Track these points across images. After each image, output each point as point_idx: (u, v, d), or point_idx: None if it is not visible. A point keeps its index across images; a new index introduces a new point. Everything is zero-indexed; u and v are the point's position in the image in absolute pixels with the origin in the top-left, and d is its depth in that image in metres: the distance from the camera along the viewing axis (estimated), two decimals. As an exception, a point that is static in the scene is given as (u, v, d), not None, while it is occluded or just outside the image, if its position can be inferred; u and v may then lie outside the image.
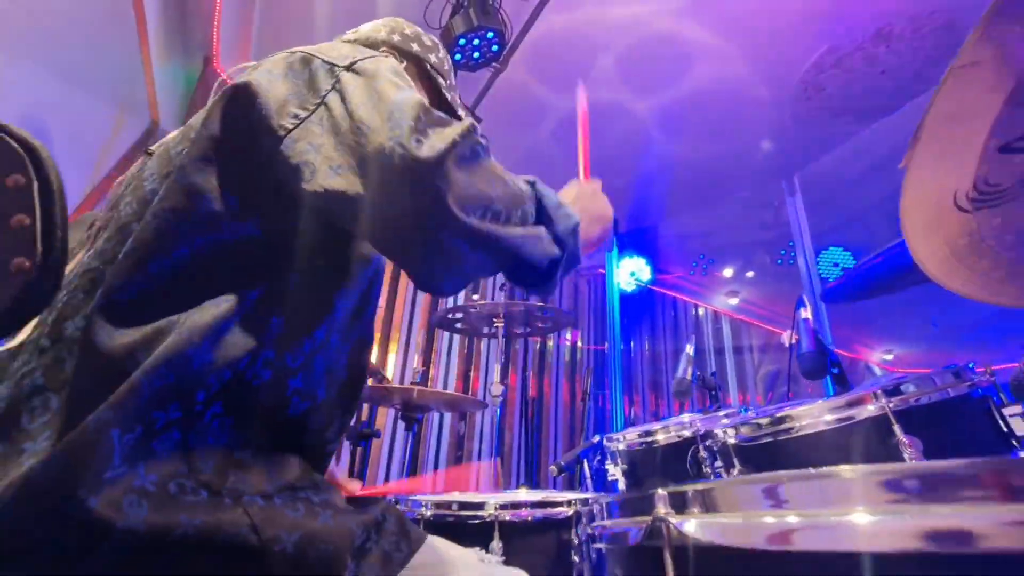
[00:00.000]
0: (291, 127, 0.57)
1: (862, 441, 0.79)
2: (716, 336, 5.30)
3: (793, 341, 1.19)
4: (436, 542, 0.67)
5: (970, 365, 0.84)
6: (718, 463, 1.02)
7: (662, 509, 0.36)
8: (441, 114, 0.56)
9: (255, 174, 0.60)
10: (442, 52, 1.01)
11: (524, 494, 1.39)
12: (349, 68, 0.61)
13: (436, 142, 0.53)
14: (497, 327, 2.10)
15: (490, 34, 2.05)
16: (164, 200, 0.58)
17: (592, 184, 0.87)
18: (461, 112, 0.99)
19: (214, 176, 0.59)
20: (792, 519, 0.31)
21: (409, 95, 0.57)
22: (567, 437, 3.81)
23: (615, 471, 1.33)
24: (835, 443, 0.82)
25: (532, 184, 0.66)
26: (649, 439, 1.29)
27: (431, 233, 0.53)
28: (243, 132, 0.60)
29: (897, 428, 0.75)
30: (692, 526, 0.33)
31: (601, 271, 3.92)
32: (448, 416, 3.38)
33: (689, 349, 1.56)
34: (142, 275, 0.54)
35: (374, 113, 0.55)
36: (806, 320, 1.17)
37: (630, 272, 3.76)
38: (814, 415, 0.84)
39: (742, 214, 3.42)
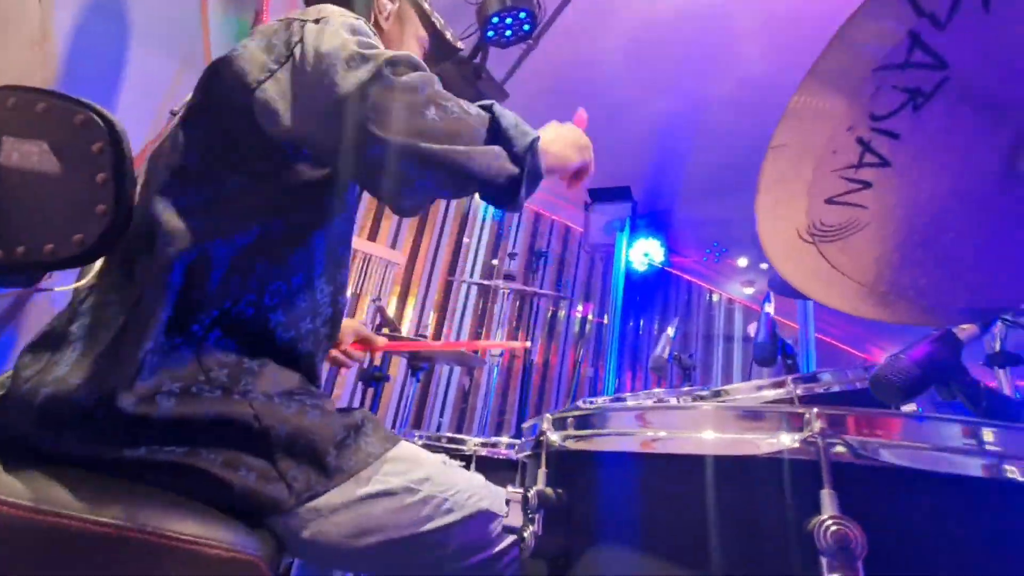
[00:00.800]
0: (264, 78, 0.69)
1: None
2: (728, 323, 5.38)
3: (754, 333, 1.33)
4: (407, 445, 0.82)
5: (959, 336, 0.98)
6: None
7: (545, 426, 0.53)
8: (372, 50, 0.66)
9: (236, 130, 0.71)
10: None
11: (505, 440, 1.59)
12: (317, 21, 0.71)
13: (360, 73, 0.63)
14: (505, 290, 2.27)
15: (522, 14, 2.14)
16: (166, 158, 0.72)
17: (570, 125, 0.92)
18: (448, 34, 1.08)
19: (200, 137, 0.72)
20: (649, 433, 0.46)
21: (349, 38, 0.67)
22: (565, 401, 4.03)
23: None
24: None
25: (489, 107, 0.73)
26: (618, 405, 1.46)
27: (371, 157, 0.64)
28: (221, 95, 0.71)
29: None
30: (559, 437, 0.51)
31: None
32: (456, 371, 3.62)
33: (670, 330, 1.71)
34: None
35: (317, 52, 0.66)
36: (767, 313, 1.31)
37: (643, 252, 3.85)
38: (742, 392, 1.00)
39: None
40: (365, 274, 2.55)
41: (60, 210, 0.64)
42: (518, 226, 4.35)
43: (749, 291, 5.49)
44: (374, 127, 0.62)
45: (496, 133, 0.71)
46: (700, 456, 0.41)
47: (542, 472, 0.51)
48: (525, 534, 0.49)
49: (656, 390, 1.68)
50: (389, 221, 3.76)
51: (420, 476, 0.78)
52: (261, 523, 0.67)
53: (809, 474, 0.37)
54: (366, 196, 3.75)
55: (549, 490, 0.50)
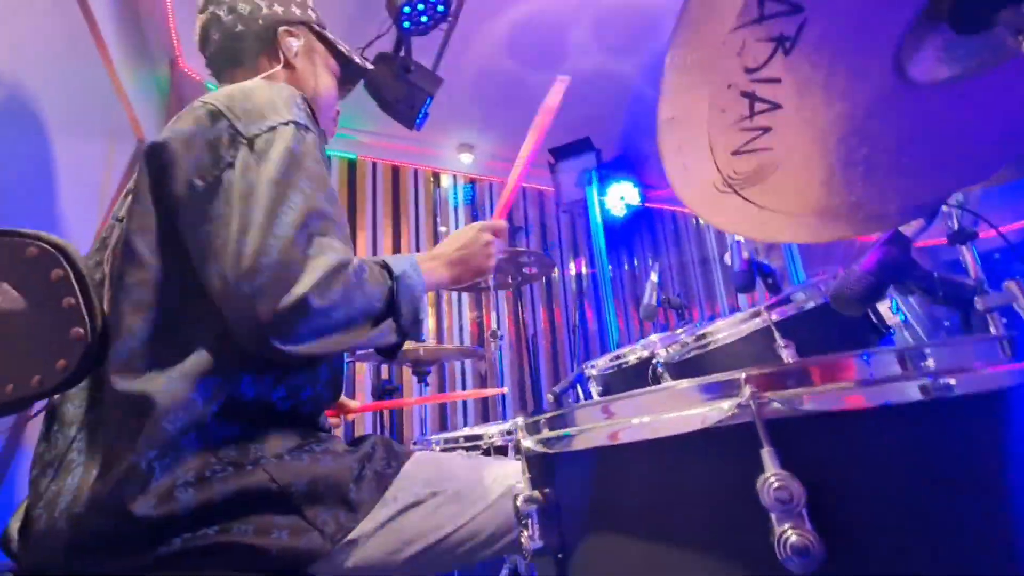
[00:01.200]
0: (186, 194, 0.70)
1: (756, 348, 0.97)
2: (720, 244, 5.38)
3: (728, 262, 1.35)
4: (422, 453, 0.86)
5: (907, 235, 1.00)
6: (667, 376, 1.22)
7: (520, 434, 0.55)
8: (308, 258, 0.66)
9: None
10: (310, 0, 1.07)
11: (521, 422, 1.63)
12: (250, 144, 0.71)
13: (290, 301, 0.63)
14: (487, 282, 2.29)
15: (433, -4, 2.08)
16: (125, 273, 0.71)
17: (486, 234, 0.95)
18: (356, 58, 1.08)
19: (152, 239, 0.72)
20: (615, 426, 0.48)
21: (286, 228, 0.66)
22: (573, 357, 4.09)
23: (595, 393, 1.55)
24: (740, 351, 1.00)
25: (395, 279, 0.76)
26: (618, 362, 1.49)
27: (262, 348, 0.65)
28: (160, 191, 0.72)
29: (777, 335, 0.93)
30: (533, 442, 0.53)
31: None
32: (469, 360, 3.67)
33: (653, 276, 1.73)
34: (133, 338, 0.69)
35: (252, 228, 0.64)
36: (737, 242, 1.32)
37: (619, 197, 3.84)
38: (723, 330, 1.02)
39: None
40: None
41: (37, 342, 0.66)
42: (491, 201, 4.33)
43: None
44: (276, 342, 0.64)
45: (389, 308, 0.75)
46: (657, 439, 0.43)
47: (525, 477, 0.54)
48: (522, 539, 0.52)
49: (652, 337, 1.72)
50: (364, 232, 3.77)
51: (442, 476, 0.83)
52: (306, 572, 0.70)
53: (751, 437, 0.39)
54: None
55: (536, 493, 0.53)
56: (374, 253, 3.78)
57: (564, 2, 2.82)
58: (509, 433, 1.36)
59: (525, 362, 3.78)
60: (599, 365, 1.53)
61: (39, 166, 1.49)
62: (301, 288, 0.64)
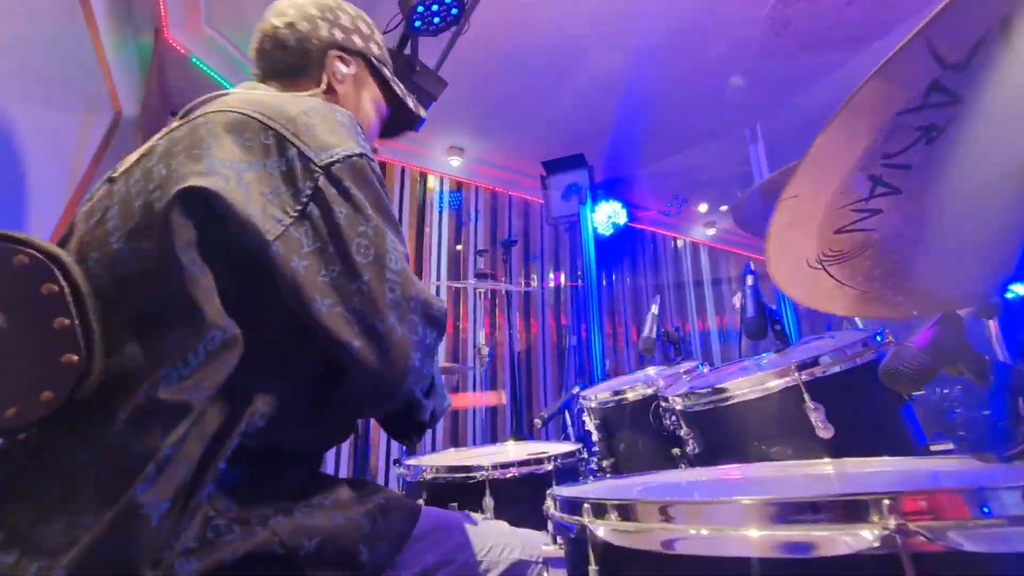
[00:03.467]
0: (271, 236, 0.60)
1: (780, 407, 0.95)
2: (695, 267, 5.49)
3: (739, 306, 1.33)
4: (431, 513, 0.80)
5: (877, 336, 0.99)
6: (673, 419, 1.19)
7: (585, 518, 0.50)
8: (420, 295, 0.66)
9: (239, 276, 0.62)
10: (378, 35, 1.01)
11: (512, 450, 1.57)
12: (327, 172, 0.64)
13: (412, 338, 0.64)
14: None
15: (448, -2, 2.01)
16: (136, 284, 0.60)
17: None
18: (410, 102, 1.01)
19: (203, 282, 0.60)
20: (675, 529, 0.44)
21: (400, 261, 0.65)
22: (556, 376, 4.06)
23: (590, 424, 1.52)
24: (761, 409, 0.98)
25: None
26: (618, 397, 1.46)
27: (381, 391, 0.65)
28: (218, 239, 0.60)
29: (807, 396, 0.90)
30: (603, 531, 0.48)
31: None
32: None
33: (654, 309, 1.71)
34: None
35: (368, 264, 0.63)
36: (752, 287, 1.31)
37: (607, 215, 3.84)
38: (743, 388, 1.00)
39: (715, 153, 3.47)
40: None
41: (19, 367, 0.56)
42: (477, 208, 4.27)
43: (711, 232, 5.58)
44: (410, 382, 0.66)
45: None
46: (746, 559, 0.39)
47: (593, 569, 0.49)
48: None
49: (650, 371, 1.69)
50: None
51: (452, 545, 0.77)
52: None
53: (888, 570, 0.35)
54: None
55: (601, 587, 0.48)
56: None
57: (573, 20, 2.80)
58: (505, 467, 1.30)
59: (502, 375, 3.73)
60: (598, 397, 1.49)
61: (9, 133, 1.36)
62: (414, 338, 0.66)
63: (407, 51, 2.40)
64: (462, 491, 1.27)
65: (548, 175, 3.73)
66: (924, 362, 0.71)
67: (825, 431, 0.87)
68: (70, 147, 1.81)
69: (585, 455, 1.41)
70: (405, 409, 0.72)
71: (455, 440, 3.58)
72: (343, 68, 0.93)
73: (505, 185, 4.41)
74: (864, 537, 0.35)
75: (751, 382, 0.98)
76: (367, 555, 0.67)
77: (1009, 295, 0.73)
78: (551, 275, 4.48)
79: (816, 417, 0.89)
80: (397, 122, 1.05)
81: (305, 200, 0.63)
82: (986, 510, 0.35)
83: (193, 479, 0.57)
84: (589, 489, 0.73)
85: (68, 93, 1.77)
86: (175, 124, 0.74)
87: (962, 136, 0.41)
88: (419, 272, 3.89)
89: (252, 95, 0.76)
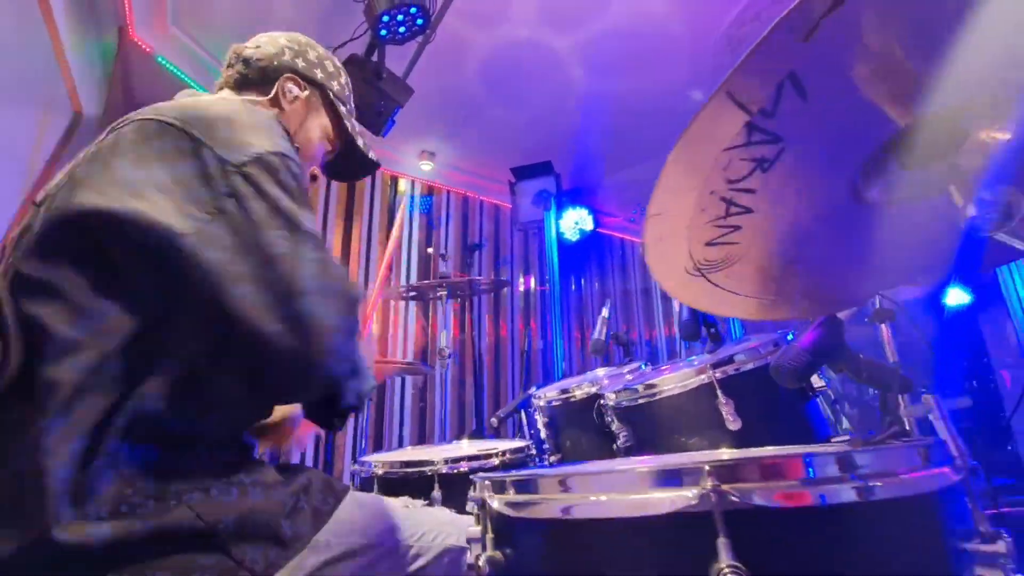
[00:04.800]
0: (191, 230, 0.65)
1: (697, 403, 1.03)
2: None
3: (677, 309, 1.43)
4: (364, 497, 0.84)
5: (788, 336, 1.09)
6: (610, 414, 1.27)
7: (485, 494, 0.57)
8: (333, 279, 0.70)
9: (141, 272, 0.67)
10: (344, 78, 1.08)
11: (465, 447, 1.63)
12: (241, 170, 0.69)
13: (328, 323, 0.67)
14: (441, 295, 2.29)
15: (413, 9, 2.08)
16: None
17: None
18: (360, 142, 1.07)
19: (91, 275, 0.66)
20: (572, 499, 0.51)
21: (316, 249, 0.70)
22: (522, 379, 4.14)
23: (540, 422, 1.59)
24: (681, 404, 1.07)
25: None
26: (565, 396, 1.54)
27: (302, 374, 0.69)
28: (136, 253, 0.66)
29: (719, 392, 0.99)
30: (499, 503, 0.55)
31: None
32: (408, 379, 3.63)
33: (605, 312, 1.79)
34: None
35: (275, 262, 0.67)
36: (687, 292, 1.40)
37: (574, 221, 3.94)
38: (667, 385, 1.08)
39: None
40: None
41: None
42: (447, 212, 4.32)
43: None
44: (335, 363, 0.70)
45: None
46: (612, 519, 0.46)
47: (489, 538, 0.56)
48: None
49: (599, 371, 1.77)
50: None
51: (381, 529, 0.81)
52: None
53: (707, 525, 0.42)
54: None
55: (497, 554, 0.55)
56: (321, 251, 3.68)
57: (538, 33, 2.89)
58: (456, 461, 1.36)
59: (469, 377, 3.78)
60: (546, 396, 1.56)
61: None
62: (333, 319, 0.68)
63: (374, 58, 2.45)
64: (413, 485, 1.32)
65: (516, 181, 3.81)
66: (804, 360, 0.79)
67: (734, 424, 0.96)
68: (26, 146, 1.81)
69: (533, 451, 1.48)
70: (326, 395, 0.75)
71: (422, 439, 3.62)
72: (295, 90, 0.99)
73: (476, 190, 4.47)
74: (686, 496, 0.43)
75: (674, 379, 1.07)
76: (289, 530, 0.71)
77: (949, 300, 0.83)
78: (520, 279, 4.56)
79: (726, 411, 0.97)
80: (349, 165, 1.11)
81: (221, 198, 0.68)
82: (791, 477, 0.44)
83: (86, 450, 0.62)
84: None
85: (23, 92, 1.77)
86: (104, 134, 0.77)
87: (793, 165, 0.49)
88: (390, 274, 3.92)
89: (182, 101, 0.81)
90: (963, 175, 0.48)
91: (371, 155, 1.09)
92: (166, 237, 0.65)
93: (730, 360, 1.05)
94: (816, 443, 1.03)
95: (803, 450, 0.47)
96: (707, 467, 0.43)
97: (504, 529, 0.54)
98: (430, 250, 4.20)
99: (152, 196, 0.67)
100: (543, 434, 1.57)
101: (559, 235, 3.89)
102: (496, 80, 3.19)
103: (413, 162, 4.09)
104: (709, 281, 0.63)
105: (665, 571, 0.43)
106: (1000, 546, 0.44)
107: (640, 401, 1.12)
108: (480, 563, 0.54)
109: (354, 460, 3.41)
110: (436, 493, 1.30)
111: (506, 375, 4.13)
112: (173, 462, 0.68)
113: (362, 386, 0.78)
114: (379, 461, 1.40)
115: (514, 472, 0.56)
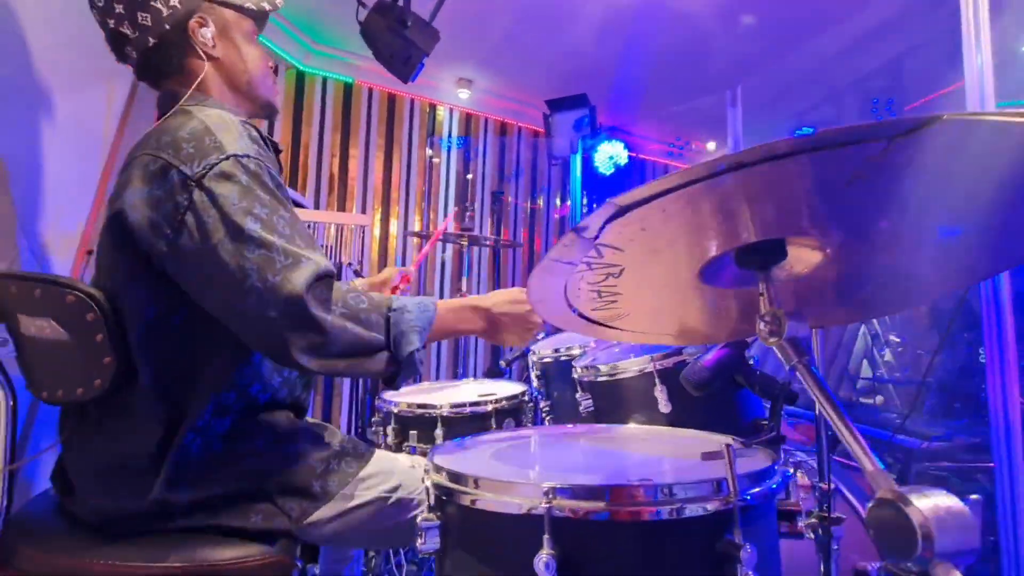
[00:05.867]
0: (165, 248, 0.82)
1: (641, 386, 1.24)
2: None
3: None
4: (380, 457, 1.07)
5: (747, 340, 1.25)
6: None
7: (428, 476, 0.82)
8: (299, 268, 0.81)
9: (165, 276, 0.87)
10: None
11: (469, 388, 1.91)
12: (199, 184, 0.81)
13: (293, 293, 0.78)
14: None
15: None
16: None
17: (536, 316, 1.06)
18: (267, 5, 1.04)
19: (142, 288, 0.88)
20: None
21: (264, 240, 0.80)
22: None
23: (534, 378, 1.84)
24: (631, 385, 1.27)
25: (390, 314, 0.89)
26: (556, 355, 1.76)
27: (277, 357, 0.85)
28: (131, 253, 0.85)
29: (657, 379, 1.19)
30: (434, 477, 0.80)
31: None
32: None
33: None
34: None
35: (234, 255, 0.79)
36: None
37: (608, 156, 3.93)
38: (626, 368, 1.28)
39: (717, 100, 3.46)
40: (340, 243, 2.75)
41: (78, 364, 0.88)
42: (485, 141, 4.38)
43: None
44: (295, 353, 0.81)
45: (388, 340, 0.89)
46: (487, 512, 0.70)
47: (427, 504, 0.81)
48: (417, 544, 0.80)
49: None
50: (356, 159, 3.86)
51: (391, 485, 1.03)
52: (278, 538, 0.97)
53: (538, 527, 0.65)
54: (326, 174, 3.81)
55: (432, 515, 0.80)
56: (364, 179, 3.91)
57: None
58: (456, 406, 1.63)
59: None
60: (540, 353, 1.79)
61: (43, 131, 1.58)
62: (299, 284, 0.80)
63: (400, 3, 2.45)
64: (421, 423, 1.63)
65: (551, 112, 3.79)
66: (703, 376, 0.97)
67: (665, 407, 1.17)
68: (98, 119, 2.01)
69: (527, 398, 1.74)
70: (340, 367, 0.88)
71: (453, 373, 4.02)
72: (207, 32, 0.97)
73: (514, 116, 4.46)
74: (519, 503, 0.66)
75: (628, 364, 1.27)
76: (319, 488, 0.99)
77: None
78: (556, 205, 4.66)
79: (661, 396, 1.18)
80: (261, 23, 1.09)
81: (183, 212, 0.82)
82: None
83: (166, 435, 0.90)
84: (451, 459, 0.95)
85: (91, 71, 1.93)
86: (125, 164, 0.95)
87: (639, 269, 0.65)
88: (428, 201, 4.12)
89: (160, 127, 0.91)
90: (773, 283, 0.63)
91: (277, 3, 1.08)
92: (150, 247, 0.85)
93: (678, 353, 1.23)
94: (741, 427, 1.22)
95: (619, 481, 0.68)
96: (545, 487, 0.65)
97: (437, 502, 0.79)
98: (469, 176, 4.34)
99: (139, 211, 0.84)
100: (536, 384, 1.82)
101: (593, 168, 3.91)
102: (523, 12, 3.09)
103: (451, 89, 4.10)
104: (610, 327, 0.82)
105: (512, 552, 0.68)
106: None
107: (600, 379, 1.34)
108: (419, 520, 0.79)
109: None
110: (439, 431, 1.61)
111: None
112: (238, 434, 0.96)
113: (402, 351, 0.89)
114: (398, 400, 1.71)
115: (448, 466, 0.79)
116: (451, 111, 4.30)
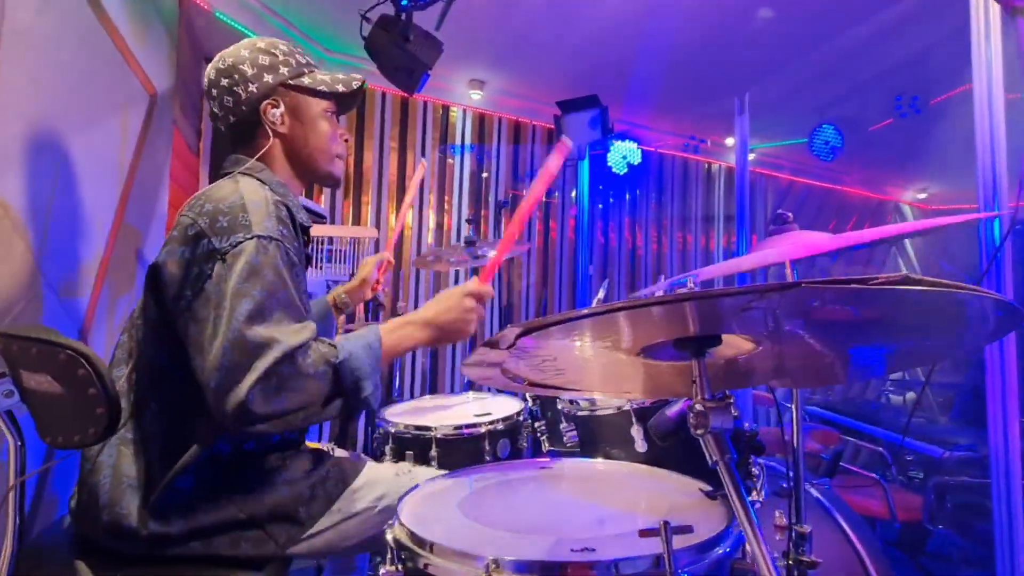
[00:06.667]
0: (183, 308, 0.94)
1: (619, 424, 1.25)
2: (727, 194, 5.30)
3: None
4: (368, 470, 1.15)
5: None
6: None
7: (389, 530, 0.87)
8: (259, 337, 0.87)
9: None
10: (282, 46, 1.14)
11: (467, 407, 1.95)
12: (223, 258, 0.92)
13: (242, 390, 0.85)
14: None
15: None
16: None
17: (469, 299, 1.10)
18: (340, 88, 1.15)
19: (161, 334, 1.00)
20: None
21: (241, 319, 0.87)
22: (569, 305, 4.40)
23: (529, 396, 1.86)
24: (611, 422, 1.29)
25: (337, 366, 0.94)
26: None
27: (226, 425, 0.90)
28: (158, 302, 0.98)
29: (633, 419, 1.20)
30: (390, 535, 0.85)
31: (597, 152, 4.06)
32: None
33: (601, 293, 1.95)
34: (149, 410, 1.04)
35: (217, 333, 0.88)
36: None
37: (621, 155, 3.88)
38: (605, 404, 1.30)
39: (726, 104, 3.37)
40: (356, 257, 2.83)
41: (75, 415, 0.95)
42: (498, 142, 4.37)
43: (750, 156, 5.34)
44: (238, 424, 0.89)
45: (336, 389, 0.95)
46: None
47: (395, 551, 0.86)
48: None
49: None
50: (371, 163, 3.92)
51: (377, 495, 1.13)
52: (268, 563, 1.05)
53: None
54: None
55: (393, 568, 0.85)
56: (379, 181, 3.97)
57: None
58: (458, 428, 1.67)
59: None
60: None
61: (61, 157, 1.63)
62: (243, 390, 0.86)
63: (403, 17, 2.46)
64: (417, 444, 1.68)
65: (562, 114, 3.76)
66: (667, 427, 0.98)
67: (640, 446, 1.18)
68: (113, 144, 2.05)
69: (522, 417, 1.76)
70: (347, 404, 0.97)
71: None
72: (276, 112, 1.11)
73: (528, 115, 4.43)
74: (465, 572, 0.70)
75: (606, 401, 1.28)
76: (304, 514, 1.07)
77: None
78: (572, 200, 4.63)
79: (637, 436, 1.19)
80: (345, 102, 1.21)
81: (204, 280, 0.93)
82: None
83: (163, 470, 1.00)
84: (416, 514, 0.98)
85: (108, 103, 2.00)
86: (177, 217, 1.05)
87: (572, 359, 0.67)
88: (441, 200, 4.17)
89: (209, 190, 1.03)
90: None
91: (354, 86, 1.18)
92: (172, 306, 0.97)
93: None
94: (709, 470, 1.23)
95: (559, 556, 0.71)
96: (489, 559, 0.69)
97: (399, 556, 0.84)
98: (485, 174, 4.35)
99: (170, 270, 0.97)
100: (531, 403, 1.85)
101: (605, 169, 3.88)
102: (525, 21, 3.06)
103: (464, 91, 4.11)
104: (561, 388, 0.84)
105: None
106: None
107: (582, 413, 1.36)
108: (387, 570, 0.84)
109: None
110: (434, 451, 1.66)
111: (552, 303, 4.41)
112: (228, 470, 1.04)
113: (360, 396, 0.96)
114: (396, 421, 1.76)
115: (410, 524, 0.83)
116: (464, 112, 4.30)
